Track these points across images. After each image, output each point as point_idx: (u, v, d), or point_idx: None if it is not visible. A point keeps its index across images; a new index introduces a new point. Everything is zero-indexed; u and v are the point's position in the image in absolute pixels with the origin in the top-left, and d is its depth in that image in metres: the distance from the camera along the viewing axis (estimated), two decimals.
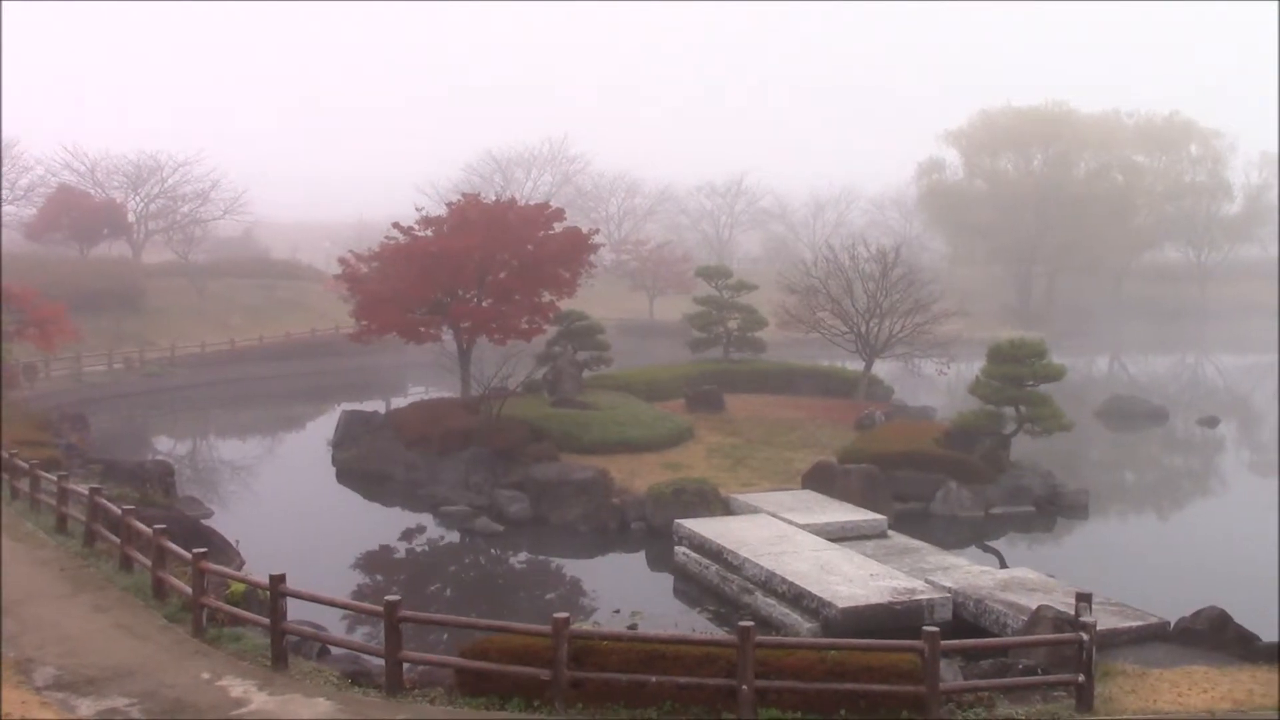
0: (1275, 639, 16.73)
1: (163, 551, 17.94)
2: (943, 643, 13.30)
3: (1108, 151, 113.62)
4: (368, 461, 35.85)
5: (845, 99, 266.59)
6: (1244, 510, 32.49)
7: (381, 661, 14.60)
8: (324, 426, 44.13)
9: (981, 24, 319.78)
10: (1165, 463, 42.98)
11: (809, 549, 23.04)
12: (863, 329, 44.97)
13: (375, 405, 46.65)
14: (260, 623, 15.70)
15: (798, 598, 20.41)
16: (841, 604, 19.36)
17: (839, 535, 24.75)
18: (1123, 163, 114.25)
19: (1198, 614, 17.93)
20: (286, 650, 15.27)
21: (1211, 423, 47.60)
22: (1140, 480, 40.02)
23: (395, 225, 41.48)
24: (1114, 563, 25.48)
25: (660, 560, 25.97)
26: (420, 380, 57.29)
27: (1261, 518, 30.81)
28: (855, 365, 47.28)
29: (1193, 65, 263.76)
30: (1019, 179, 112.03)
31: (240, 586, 17.50)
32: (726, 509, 28.00)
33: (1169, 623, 18.29)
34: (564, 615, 13.62)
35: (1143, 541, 29.12)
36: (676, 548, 25.23)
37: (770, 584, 21.37)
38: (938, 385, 53.99)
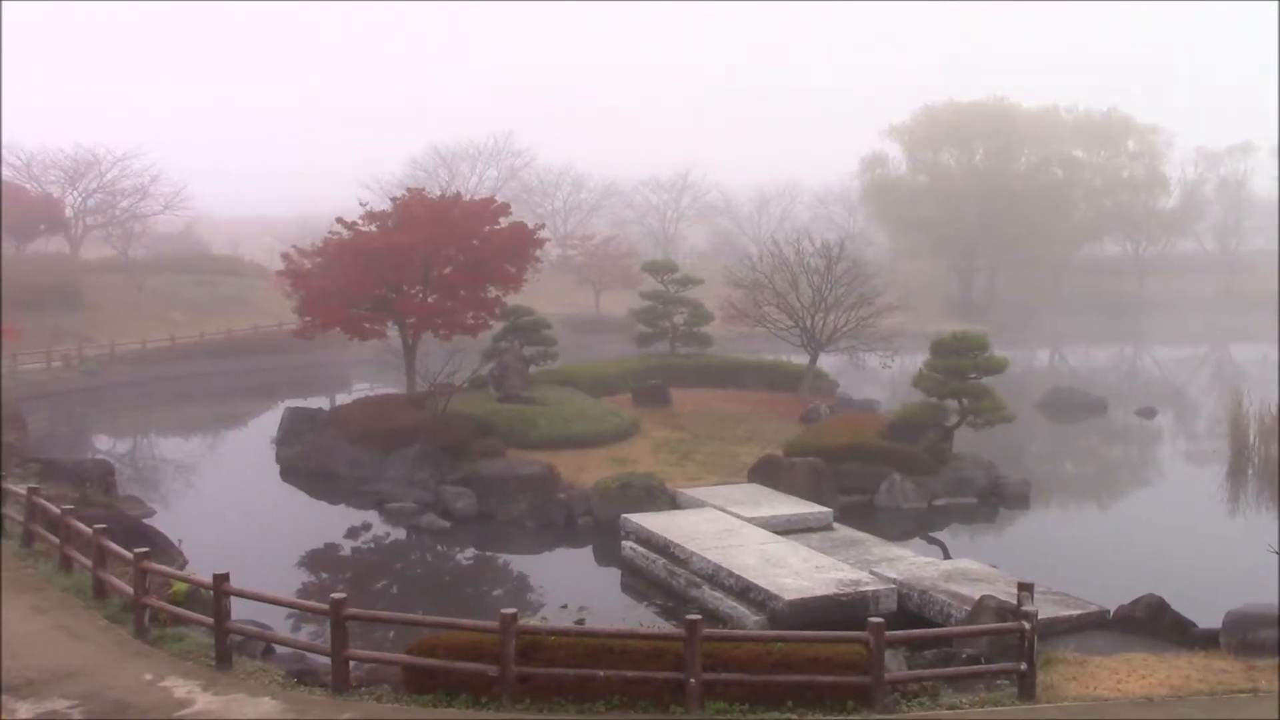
0: (1210, 625, 17.06)
1: (103, 551, 17.72)
2: (887, 634, 13.47)
3: (1047, 146, 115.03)
4: (312, 459, 35.56)
5: (788, 96, 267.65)
6: (1181, 499, 33.07)
7: (327, 660, 14.53)
8: (267, 424, 43.70)
9: (926, 23, 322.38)
10: (1104, 453, 43.62)
11: (755, 542, 23.17)
12: (808, 323, 45.27)
13: (319, 402, 46.23)
14: (204, 622, 15.56)
15: (745, 591, 20.51)
16: (788, 596, 19.49)
17: (785, 528, 24.88)
18: (1062, 157, 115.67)
19: (1136, 602, 18.28)
20: (230, 650, 15.15)
21: (1149, 414, 48.39)
22: (1080, 471, 40.59)
23: (339, 220, 41.18)
24: (1055, 552, 25.82)
25: (607, 555, 25.99)
26: (365, 377, 56.88)
27: (1197, 506, 31.42)
28: (801, 359, 47.57)
29: (1131, 61, 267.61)
30: (961, 173, 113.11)
31: (183, 586, 17.30)
32: (673, 503, 28.07)
33: (1108, 611, 18.61)
34: (511, 611, 13.62)
35: (1083, 531, 29.52)
36: (623, 542, 25.27)
37: (717, 577, 21.46)
38: (882, 379, 54.41)
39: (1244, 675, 14.56)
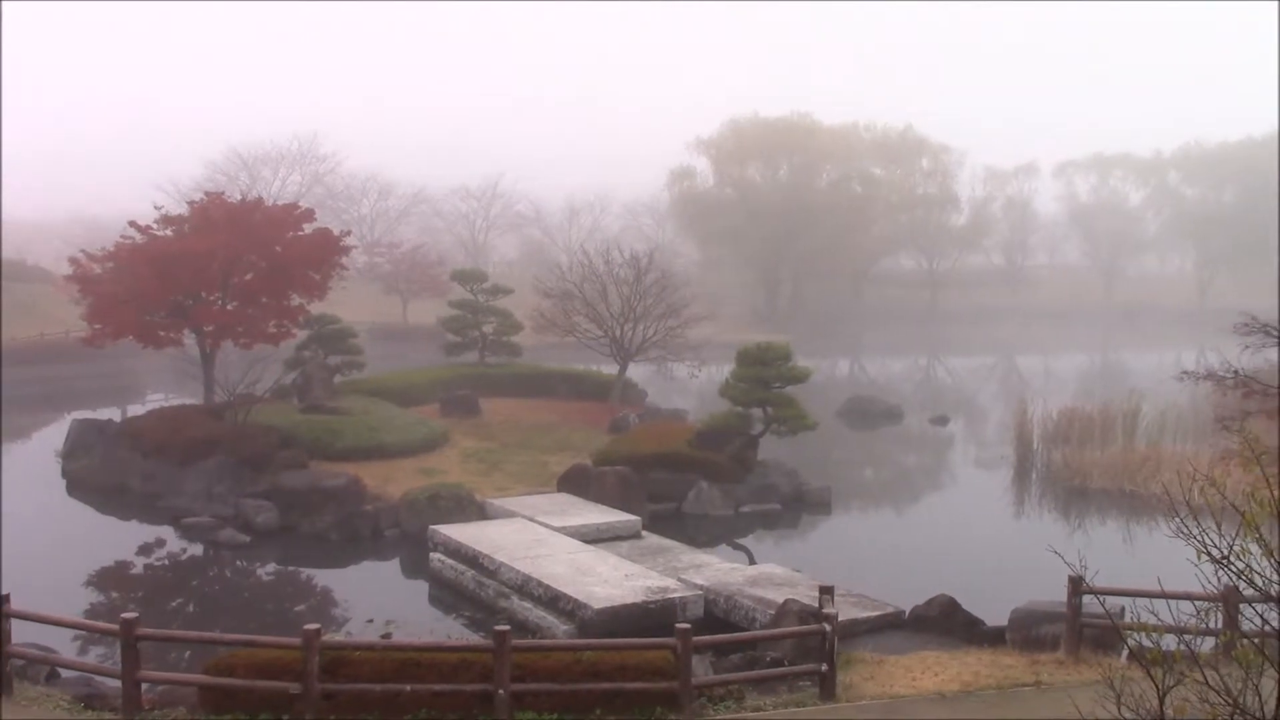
0: (997, 623, 17.91)
1: None
2: (694, 639, 13.65)
3: (847, 163, 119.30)
4: (102, 473, 33.98)
5: (596, 106, 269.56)
6: (971, 503, 34.57)
7: (118, 683, 13.89)
8: (53, 437, 41.56)
9: (740, 35, 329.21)
10: (900, 460, 45.25)
11: (565, 551, 23.19)
12: (617, 333, 45.62)
13: (110, 413, 44.21)
14: None
15: (554, 600, 20.51)
16: (597, 605, 19.55)
17: (594, 537, 24.99)
18: (861, 174, 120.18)
19: (930, 602, 19.01)
20: (11, 675, 14.36)
21: (942, 421, 50.50)
22: (878, 476, 42.00)
23: (132, 224, 39.51)
24: (855, 555, 26.69)
25: (415, 567, 25.61)
26: (160, 387, 54.70)
27: (986, 509, 32.91)
28: (610, 369, 47.87)
29: (927, 82, 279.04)
30: (766, 187, 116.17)
31: None
32: (482, 514, 27.86)
33: (904, 611, 19.27)
34: (315, 626, 13.29)
35: (881, 534, 30.56)
36: (432, 554, 24.94)
37: (526, 587, 21.40)
38: (689, 388, 55.25)
39: (1028, 669, 15.33)
